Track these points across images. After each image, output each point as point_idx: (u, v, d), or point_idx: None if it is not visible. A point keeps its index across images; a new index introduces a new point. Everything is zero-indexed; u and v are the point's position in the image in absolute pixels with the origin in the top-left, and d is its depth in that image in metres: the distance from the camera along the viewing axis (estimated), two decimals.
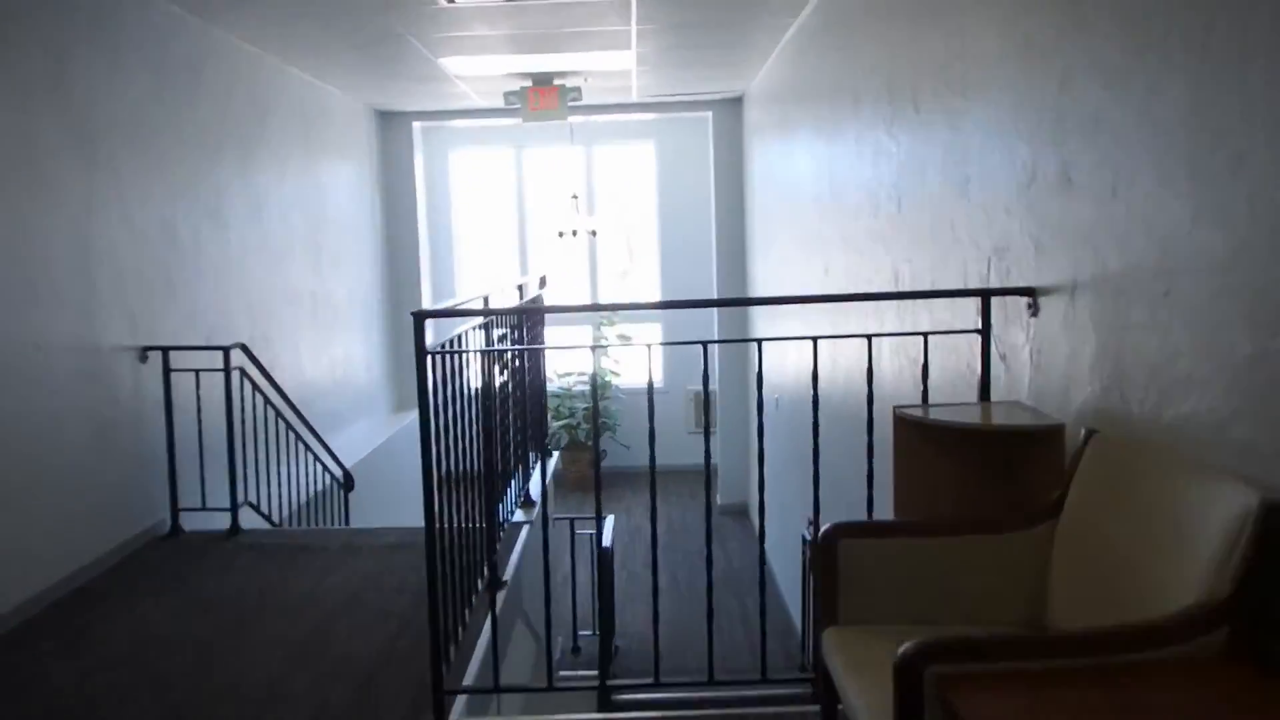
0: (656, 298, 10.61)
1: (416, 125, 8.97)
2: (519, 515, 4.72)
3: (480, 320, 3.56)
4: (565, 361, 10.83)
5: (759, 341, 2.82)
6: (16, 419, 3.65)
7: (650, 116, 9.21)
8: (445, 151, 10.17)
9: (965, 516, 2.14)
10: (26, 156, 3.77)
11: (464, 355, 3.18)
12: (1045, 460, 2.16)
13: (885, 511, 2.76)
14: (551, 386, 9.84)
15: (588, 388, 10.30)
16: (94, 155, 4.19)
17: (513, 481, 4.73)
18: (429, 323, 2.65)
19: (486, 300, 3.90)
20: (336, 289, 7.49)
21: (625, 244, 11.16)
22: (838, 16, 4.73)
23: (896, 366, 3.58)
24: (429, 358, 2.62)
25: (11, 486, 3.60)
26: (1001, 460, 2.28)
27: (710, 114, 8.82)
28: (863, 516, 2.89)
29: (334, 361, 7.39)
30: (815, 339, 2.72)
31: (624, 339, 10.37)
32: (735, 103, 8.75)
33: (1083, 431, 2.00)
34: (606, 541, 5.74)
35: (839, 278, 4.78)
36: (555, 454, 7.01)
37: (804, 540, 5.54)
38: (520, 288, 5.29)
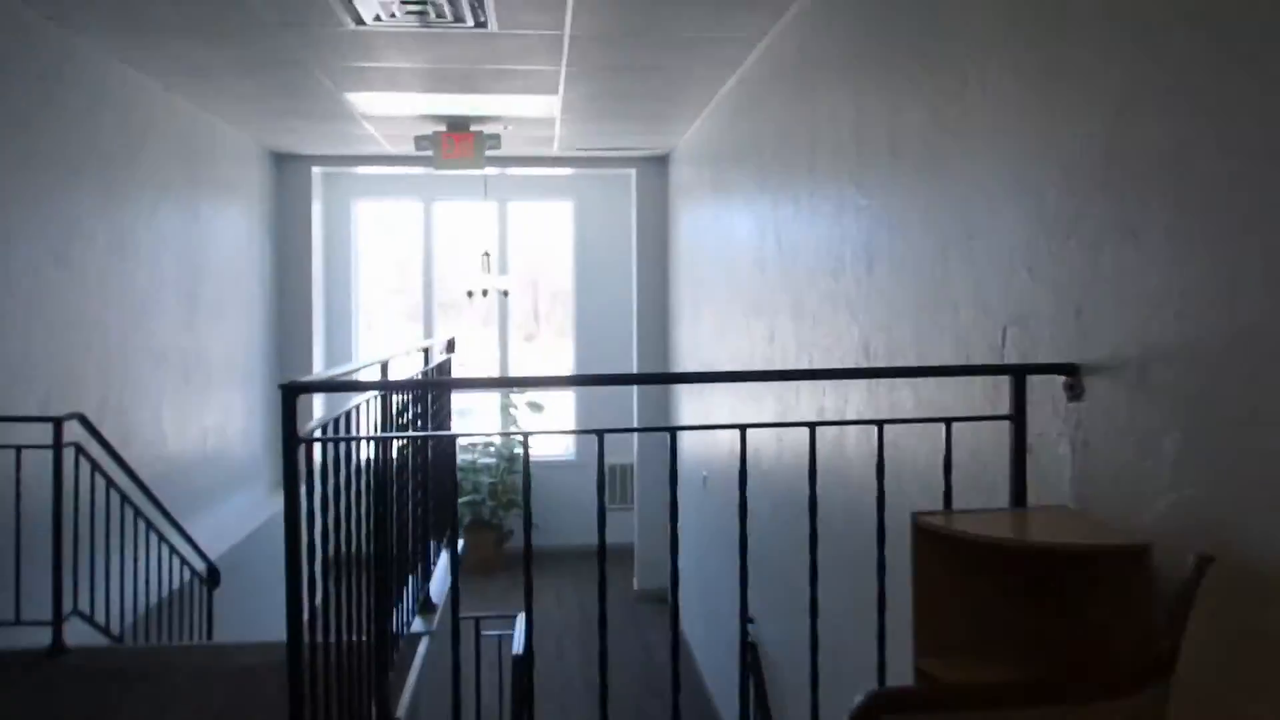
0: (570, 363, 10.04)
1: (316, 170, 8.26)
2: (418, 624, 4.00)
3: (374, 393, 2.91)
4: (469, 438, 10.10)
5: (672, 430, 2.25)
6: None
7: (569, 172, 8.75)
8: (347, 200, 9.46)
9: (1044, 680, 1.59)
10: None
11: (350, 443, 2.53)
12: (1121, 591, 1.64)
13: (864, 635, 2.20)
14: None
15: (494, 460, 9.57)
16: None
17: (409, 580, 4.02)
18: (311, 397, 2.00)
19: (385, 366, 3.26)
20: (213, 347, 6.65)
21: (532, 306, 10.60)
22: (788, 64, 4.33)
23: (864, 452, 3.07)
24: (301, 446, 1.98)
25: None
26: (1059, 588, 1.75)
27: (634, 172, 8.40)
28: (840, 628, 2.33)
29: (205, 431, 6.51)
30: (743, 427, 2.18)
31: (534, 406, 9.71)
32: (660, 161, 8.36)
33: (1192, 558, 1.49)
34: (518, 645, 5.03)
35: (787, 348, 4.29)
36: (461, 543, 6.25)
37: (741, 638, 4.94)
38: (425, 351, 4.64)
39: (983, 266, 2.38)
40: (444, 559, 4.89)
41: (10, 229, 4.11)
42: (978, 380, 2.32)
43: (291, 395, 1.97)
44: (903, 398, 2.82)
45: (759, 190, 4.90)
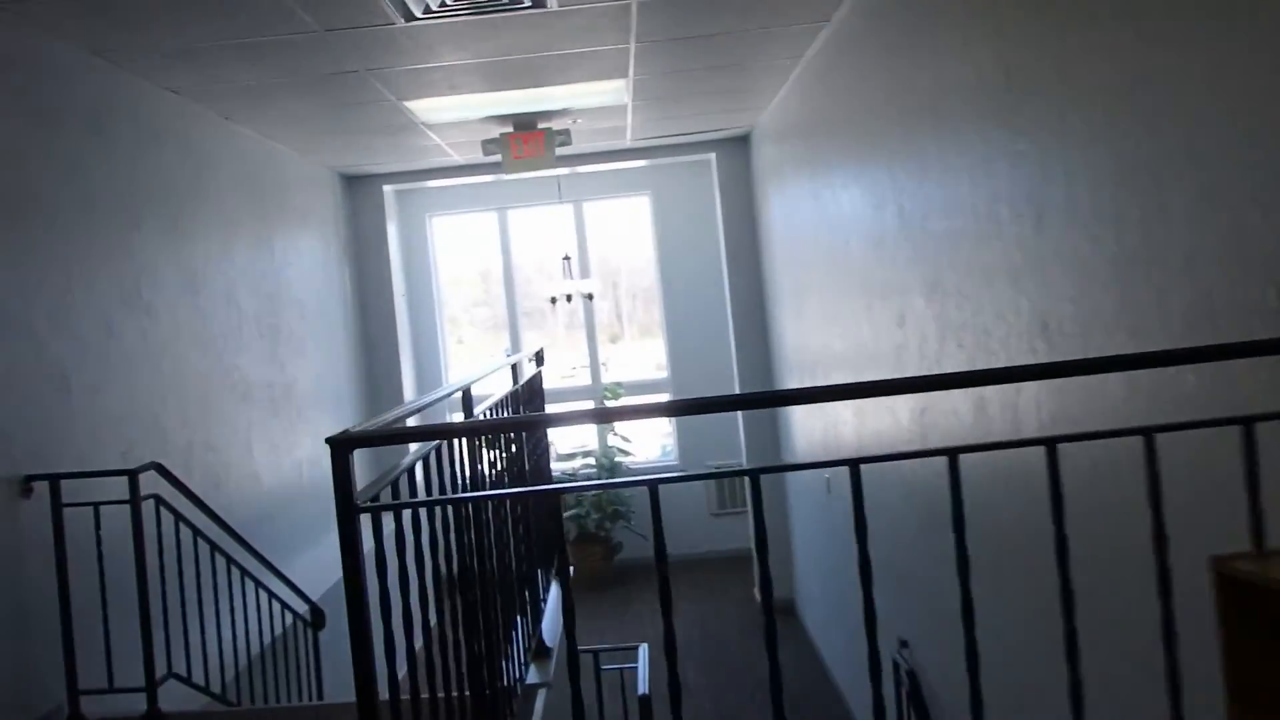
0: (662, 363, 9.58)
1: (388, 189, 8.00)
2: (532, 674, 3.58)
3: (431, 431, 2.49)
4: (566, 440, 9.75)
5: (753, 473, 1.65)
6: None
7: (644, 164, 8.29)
8: (422, 217, 9.19)
9: None
10: None
11: (420, 504, 2.11)
12: None
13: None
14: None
15: (595, 471, 9.17)
16: None
17: (517, 625, 3.61)
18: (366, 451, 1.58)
19: (468, 394, 2.84)
20: (300, 377, 6.40)
21: (614, 307, 10.19)
22: (891, 6, 3.78)
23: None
24: (360, 517, 1.57)
25: None
26: None
27: (713, 156, 7.89)
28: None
29: (299, 464, 6.27)
30: (855, 463, 1.62)
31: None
32: (741, 142, 7.82)
33: None
34: (643, 683, 4.61)
35: (925, 333, 3.74)
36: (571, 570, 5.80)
37: (896, 665, 4.41)
38: (514, 368, 4.24)
39: (1226, 205, 1.82)
40: (554, 593, 4.48)
41: (75, 278, 3.85)
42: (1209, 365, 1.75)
43: (343, 451, 1.55)
44: (1110, 386, 2.25)
45: (869, 157, 4.35)
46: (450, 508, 2.25)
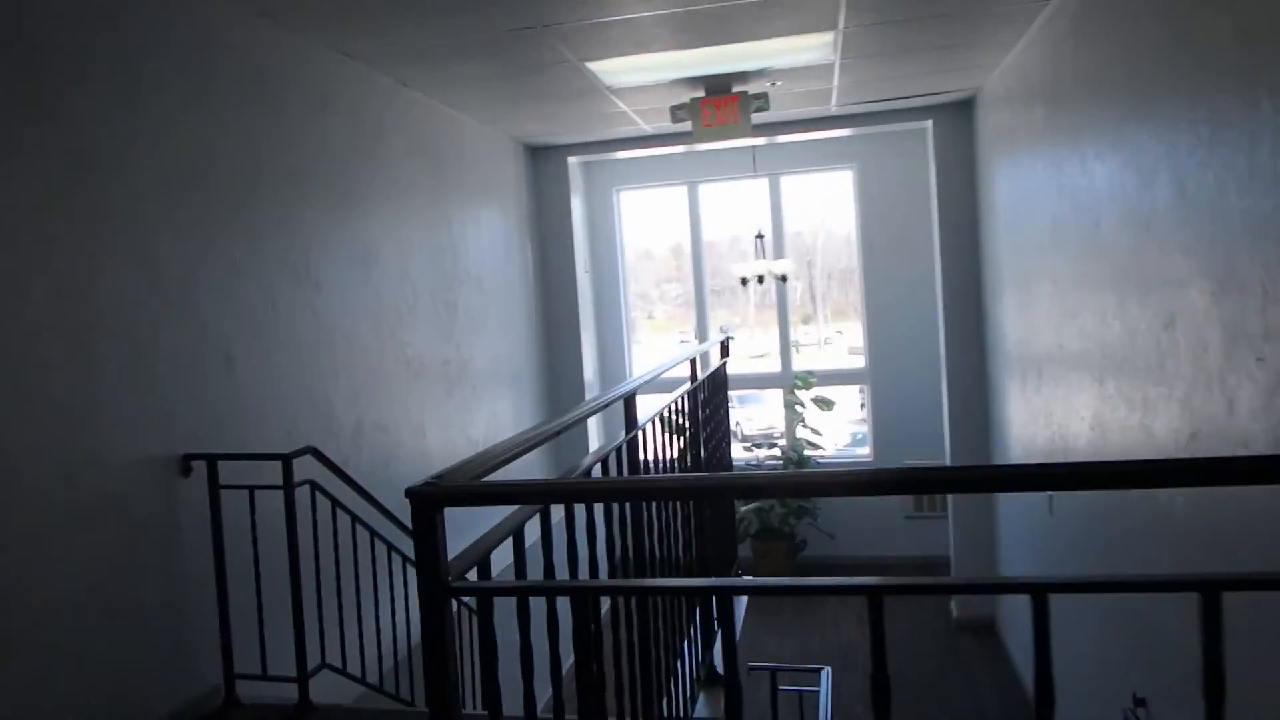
0: (861, 350, 8.84)
1: (572, 161, 7.69)
2: (701, 708, 3.13)
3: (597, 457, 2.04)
4: (749, 425, 9.24)
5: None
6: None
7: (849, 133, 7.54)
8: (608, 191, 8.85)
9: None
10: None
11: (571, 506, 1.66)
12: None
13: None
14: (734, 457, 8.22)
15: (780, 462, 8.60)
16: (107, 192, 3.03)
17: (684, 651, 3.15)
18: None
19: (631, 401, 2.39)
20: (476, 355, 6.21)
21: (807, 287, 9.51)
22: None
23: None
24: (454, 602, 1.12)
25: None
26: None
27: (930, 124, 7.04)
28: None
29: (473, 445, 6.08)
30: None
31: (823, 404, 8.62)
32: (964, 106, 6.93)
33: None
34: (825, 712, 4.06)
35: (1205, 339, 2.94)
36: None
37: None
38: (694, 362, 3.76)
39: None
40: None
41: (240, 250, 3.70)
42: None
43: (429, 510, 1.11)
44: None
45: (1134, 120, 3.51)
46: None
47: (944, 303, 7.13)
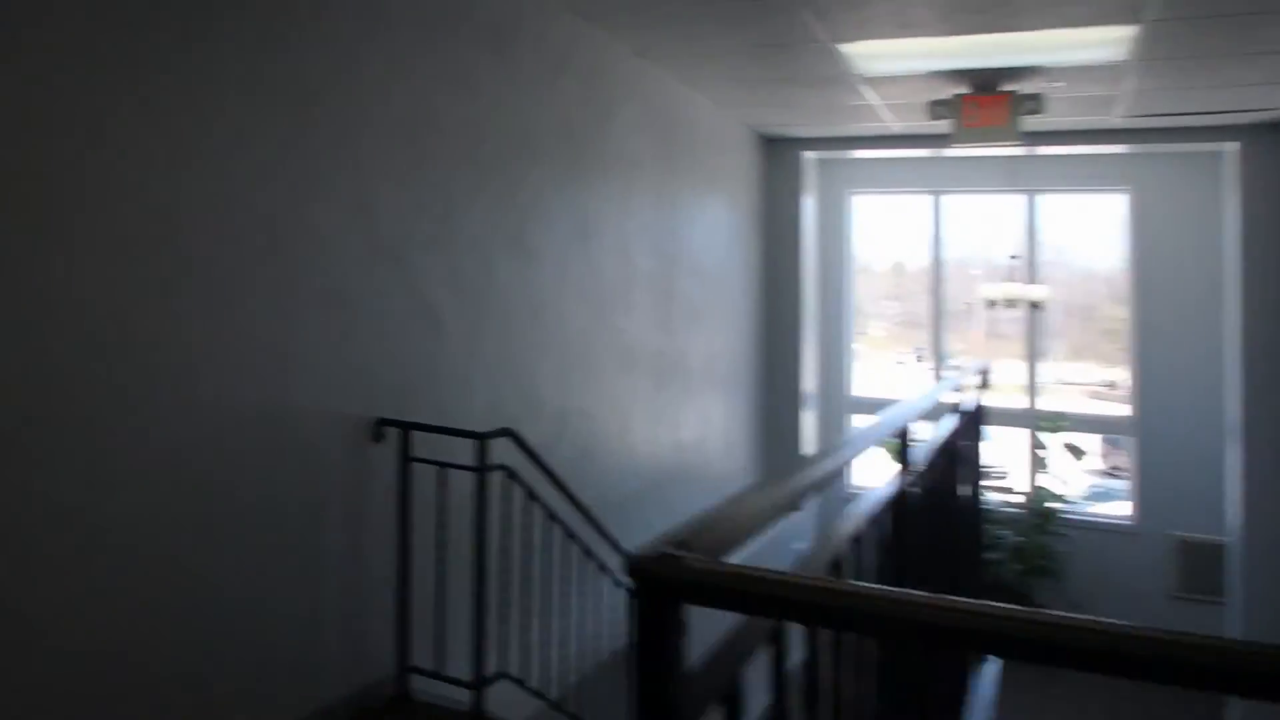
0: (1130, 399, 7.72)
1: (808, 156, 7.26)
2: None
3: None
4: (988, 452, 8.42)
5: None
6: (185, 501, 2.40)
7: (1124, 151, 6.64)
8: (842, 193, 8.31)
9: None
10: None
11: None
12: None
13: None
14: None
15: (1019, 510, 7.67)
16: (327, 127, 2.98)
17: None
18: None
19: (904, 439, 1.96)
20: (690, 350, 5.92)
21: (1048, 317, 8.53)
22: None
23: None
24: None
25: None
26: None
27: (1237, 146, 6.05)
28: None
29: (681, 446, 5.76)
30: None
31: (1074, 451, 7.66)
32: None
33: None
34: None
35: None
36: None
37: None
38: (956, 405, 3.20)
39: None
40: (983, 682, 3.35)
41: (456, 207, 3.60)
42: None
43: (660, 604, 0.79)
44: None
45: None
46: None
47: (1245, 354, 6.09)
